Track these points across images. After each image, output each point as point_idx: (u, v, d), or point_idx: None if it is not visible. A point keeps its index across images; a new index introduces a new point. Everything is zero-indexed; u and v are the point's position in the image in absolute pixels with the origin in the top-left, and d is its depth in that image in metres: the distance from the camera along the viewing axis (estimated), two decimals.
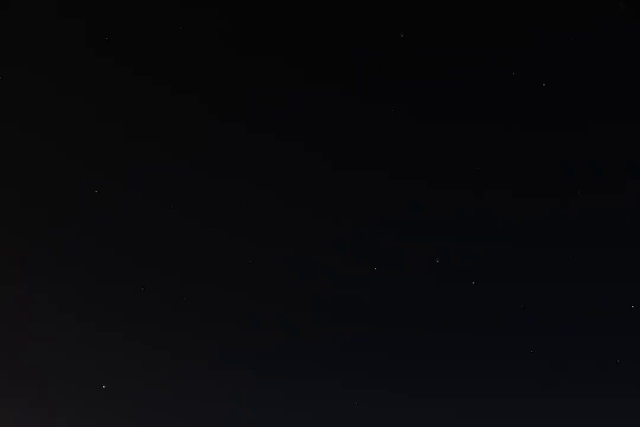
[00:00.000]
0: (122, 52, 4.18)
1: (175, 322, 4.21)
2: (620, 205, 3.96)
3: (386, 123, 4.14)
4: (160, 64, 4.18)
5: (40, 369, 4.15)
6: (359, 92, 4.13)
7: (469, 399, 4.06)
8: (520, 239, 4.08)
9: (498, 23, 3.96)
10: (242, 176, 4.21)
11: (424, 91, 4.08)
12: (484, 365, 4.07)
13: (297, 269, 4.19)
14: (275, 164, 4.20)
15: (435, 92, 4.07)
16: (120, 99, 4.19)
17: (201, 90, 4.18)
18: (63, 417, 4.14)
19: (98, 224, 4.21)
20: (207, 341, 4.21)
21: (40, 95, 4.17)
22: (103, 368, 4.17)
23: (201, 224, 4.22)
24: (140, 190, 4.22)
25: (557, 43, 3.90)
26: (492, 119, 4.05)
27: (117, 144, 4.21)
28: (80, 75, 4.18)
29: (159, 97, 4.20)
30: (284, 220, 4.21)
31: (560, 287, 4.03)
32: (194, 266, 4.22)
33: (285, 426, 4.12)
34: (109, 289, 4.20)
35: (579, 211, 4.01)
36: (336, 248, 4.18)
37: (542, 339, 4.03)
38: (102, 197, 4.20)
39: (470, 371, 4.08)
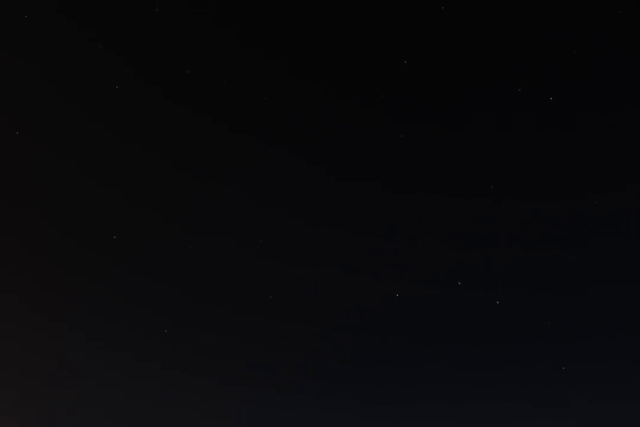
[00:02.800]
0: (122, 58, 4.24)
1: (185, 342, 4.28)
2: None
3: (390, 137, 4.18)
4: (164, 77, 4.24)
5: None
6: (362, 108, 4.15)
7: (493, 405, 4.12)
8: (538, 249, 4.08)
9: (499, 41, 3.95)
10: (245, 188, 4.27)
11: (429, 109, 4.10)
12: (509, 376, 4.12)
13: (303, 283, 4.24)
14: (279, 178, 4.26)
15: (441, 110, 4.08)
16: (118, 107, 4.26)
17: (205, 104, 4.23)
18: None
19: (107, 242, 4.28)
20: (219, 360, 4.28)
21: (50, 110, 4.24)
22: (113, 386, 4.24)
23: (205, 236, 4.27)
24: (145, 206, 4.30)
25: (560, 56, 3.92)
26: (500, 134, 4.07)
27: (113, 148, 4.27)
28: (91, 91, 4.26)
29: (162, 109, 4.25)
30: (287, 233, 4.26)
31: (579, 296, 4.06)
32: (197, 280, 4.28)
33: None
34: (119, 308, 4.27)
35: (597, 222, 4.02)
36: (342, 261, 4.23)
37: (571, 354, 4.06)
38: (108, 214, 4.27)
39: (496, 381, 4.13)
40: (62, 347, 4.24)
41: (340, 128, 4.14)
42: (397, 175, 4.16)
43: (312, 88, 4.14)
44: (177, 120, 4.22)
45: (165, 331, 4.19)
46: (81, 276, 4.27)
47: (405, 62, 3.88)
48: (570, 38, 3.81)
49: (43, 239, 4.26)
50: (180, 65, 4.17)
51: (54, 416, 4.24)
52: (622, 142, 3.88)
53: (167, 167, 4.24)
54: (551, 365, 4.03)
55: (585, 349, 4.00)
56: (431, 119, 4.08)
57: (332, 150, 4.17)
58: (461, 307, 4.14)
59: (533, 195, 4.06)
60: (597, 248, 3.99)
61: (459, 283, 4.09)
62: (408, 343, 4.17)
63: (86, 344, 4.23)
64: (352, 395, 4.19)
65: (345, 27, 4.05)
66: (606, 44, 3.75)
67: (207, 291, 4.26)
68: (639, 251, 3.92)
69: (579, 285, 4.00)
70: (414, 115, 4.09)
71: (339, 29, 4.06)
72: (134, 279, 4.26)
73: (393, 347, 4.18)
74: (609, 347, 3.96)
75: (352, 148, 4.16)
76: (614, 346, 3.95)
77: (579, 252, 4.01)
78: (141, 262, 4.26)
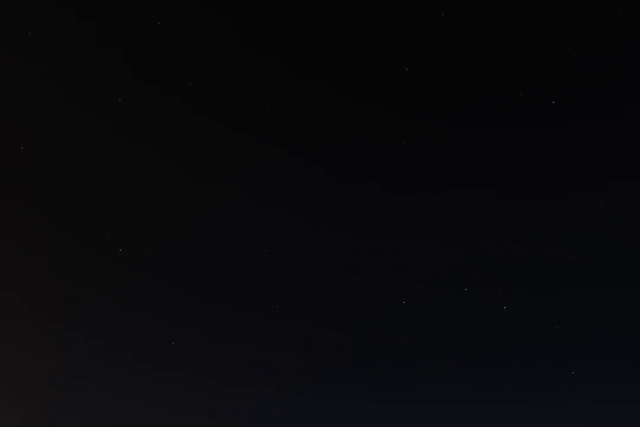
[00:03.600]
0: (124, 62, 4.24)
1: (185, 342, 4.29)
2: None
3: (390, 138, 4.18)
4: (165, 77, 4.24)
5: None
6: (363, 108, 4.16)
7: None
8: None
9: (499, 46, 3.97)
10: (245, 189, 4.27)
11: (429, 110, 4.10)
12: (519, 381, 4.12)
13: (303, 283, 4.24)
14: (279, 178, 4.26)
15: (443, 112, 4.10)
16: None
17: (205, 104, 4.24)
18: None
19: (107, 243, 4.28)
20: (219, 360, 4.28)
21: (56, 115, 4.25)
22: (111, 387, 4.25)
23: (205, 236, 4.27)
24: (145, 207, 4.29)
25: (561, 60, 3.92)
26: (502, 136, 4.08)
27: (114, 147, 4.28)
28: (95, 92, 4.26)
29: (162, 110, 4.25)
30: (287, 233, 4.26)
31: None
32: (197, 280, 4.29)
33: None
34: (119, 309, 4.28)
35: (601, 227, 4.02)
36: (342, 261, 4.23)
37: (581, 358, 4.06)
38: (108, 214, 4.27)
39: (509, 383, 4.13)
40: (62, 347, 4.24)
41: (341, 128, 4.16)
42: (397, 175, 4.17)
43: (312, 88, 4.15)
44: (177, 120, 4.23)
45: (173, 343, 4.22)
46: (81, 276, 4.27)
47: (407, 69, 3.88)
48: (570, 41, 3.82)
49: (43, 239, 4.26)
50: (181, 66, 4.19)
51: (54, 417, 4.25)
52: (624, 144, 3.90)
53: (166, 167, 4.25)
54: (551, 365, 4.05)
55: (585, 349, 4.02)
56: (432, 120, 4.09)
57: (332, 151, 4.18)
58: (461, 307, 4.16)
59: (533, 196, 4.09)
60: (597, 248, 4.01)
61: (466, 289, 4.10)
62: (408, 343, 4.18)
63: (86, 344, 4.24)
64: (352, 395, 4.20)
65: (347, 28, 4.06)
66: (606, 46, 3.76)
67: (207, 291, 4.26)
68: (639, 251, 3.94)
69: (579, 285, 4.02)
70: (415, 116, 4.10)
71: (340, 30, 4.07)
72: (133, 279, 4.27)
73: (393, 347, 4.19)
74: (609, 347, 3.98)
75: (352, 148, 4.18)
76: (614, 346, 3.97)
77: (579, 252, 4.02)
78: (141, 263, 4.27)
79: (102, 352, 4.25)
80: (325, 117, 4.16)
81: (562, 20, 3.81)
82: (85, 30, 4.19)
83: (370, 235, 4.18)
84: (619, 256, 3.97)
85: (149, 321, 4.25)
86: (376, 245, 4.18)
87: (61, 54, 4.21)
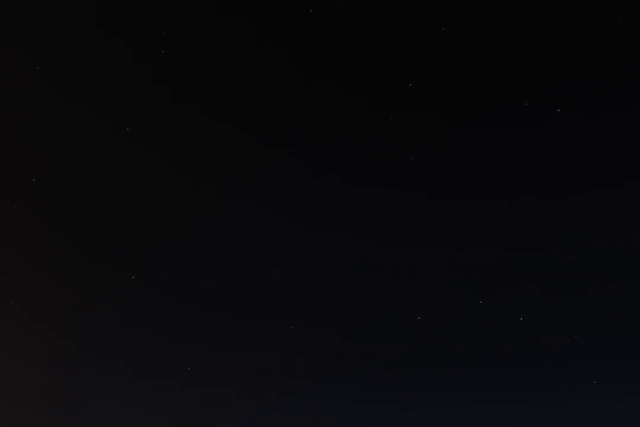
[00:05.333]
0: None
1: (185, 346, 4.26)
2: None
3: (392, 142, 4.20)
4: (165, 78, 4.21)
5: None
6: (363, 112, 4.16)
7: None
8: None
9: (501, 58, 4.00)
10: (245, 192, 4.26)
11: (429, 119, 4.12)
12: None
13: (303, 287, 4.24)
14: (278, 181, 4.25)
15: (443, 121, 4.12)
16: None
17: (205, 105, 4.21)
18: None
19: (106, 250, 4.23)
20: (219, 364, 4.26)
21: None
22: (110, 390, 4.20)
23: (204, 240, 4.24)
24: (148, 211, 4.25)
25: (562, 68, 3.95)
26: (504, 140, 4.11)
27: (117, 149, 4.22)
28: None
29: (162, 112, 4.22)
30: (287, 237, 4.25)
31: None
32: (198, 285, 4.26)
33: None
34: (118, 315, 4.24)
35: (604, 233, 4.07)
36: (342, 265, 4.23)
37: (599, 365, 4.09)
38: (106, 219, 4.23)
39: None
40: (60, 356, 4.19)
41: (341, 132, 4.16)
42: (399, 180, 4.19)
43: (313, 90, 4.16)
44: (177, 122, 4.20)
45: (188, 368, 4.19)
46: (80, 285, 4.23)
47: (411, 84, 3.92)
48: (571, 49, 3.87)
49: (41, 246, 4.21)
50: (182, 67, 4.16)
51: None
52: (626, 146, 3.97)
53: (167, 170, 4.23)
54: (551, 365, 4.10)
55: (585, 349, 4.07)
56: (434, 127, 4.12)
57: (333, 154, 4.19)
58: (460, 309, 4.19)
59: (533, 196, 4.14)
60: (598, 248, 4.06)
61: (480, 302, 4.13)
62: (408, 345, 4.20)
63: (85, 352, 4.20)
64: (353, 398, 4.20)
65: (350, 45, 4.07)
66: (607, 52, 3.82)
67: (207, 296, 4.24)
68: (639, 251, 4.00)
69: (579, 285, 4.07)
70: (417, 122, 4.12)
71: (342, 37, 4.08)
72: (133, 286, 4.23)
73: (393, 350, 4.21)
74: (609, 347, 4.04)
75: (353, 152, 4.19)
76: (614, 345, 4.03)
77: (579, 252, 4.08)
78: (140, 266, 4.22)
79: (102, 359, 4.22)
80: (327, 121, 4.17)
81: (562, 29, 3.88)
82: (86, 26, 4.15)
83: (370, 241, 4.21)
84: (619, 256, 4.04)
85: (147, 326, 4.22)
86: (376, 249, 4.21)
87: (62, 55, 4.17)
